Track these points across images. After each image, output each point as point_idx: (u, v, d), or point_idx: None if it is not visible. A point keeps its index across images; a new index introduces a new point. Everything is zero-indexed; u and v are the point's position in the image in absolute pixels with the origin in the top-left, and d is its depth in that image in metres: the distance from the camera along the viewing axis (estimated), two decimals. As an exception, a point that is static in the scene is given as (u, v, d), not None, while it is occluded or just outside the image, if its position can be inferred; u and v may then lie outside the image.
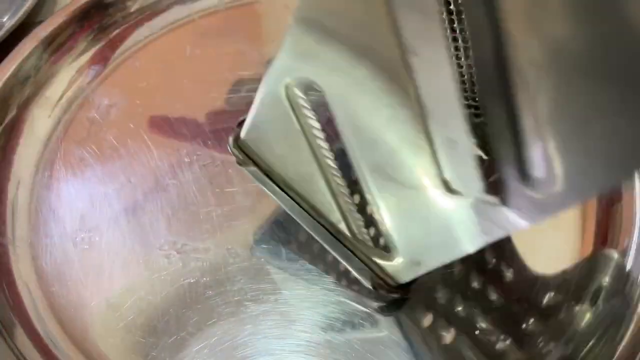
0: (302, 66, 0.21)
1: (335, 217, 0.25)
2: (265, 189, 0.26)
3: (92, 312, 0.28)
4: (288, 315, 0.27)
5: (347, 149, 0.22)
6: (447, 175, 0.20)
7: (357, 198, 0.24)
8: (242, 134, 0.26)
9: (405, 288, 0.25)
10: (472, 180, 0.19)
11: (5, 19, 0.38)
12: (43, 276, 0.29)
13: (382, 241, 0.25)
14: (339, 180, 0.24)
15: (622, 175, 0.17)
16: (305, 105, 0.22)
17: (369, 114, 0.20)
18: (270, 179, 0.26)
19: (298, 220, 0.26)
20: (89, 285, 0.28)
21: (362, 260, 0.25)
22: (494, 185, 0.18)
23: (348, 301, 0.27)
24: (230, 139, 0.26)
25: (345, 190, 0.24)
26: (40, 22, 0.37)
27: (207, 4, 0.38)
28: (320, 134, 0.23)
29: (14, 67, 0.34)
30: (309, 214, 0.25)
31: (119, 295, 0.28)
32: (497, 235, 0.19)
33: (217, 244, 0.29)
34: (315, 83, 0.21)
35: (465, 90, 0.20)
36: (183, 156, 0.32)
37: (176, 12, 0.38)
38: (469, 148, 0.18)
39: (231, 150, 0.26)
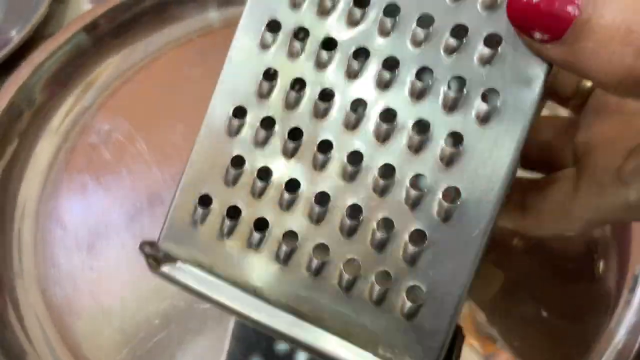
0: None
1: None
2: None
3: (105, 341, 0.27)
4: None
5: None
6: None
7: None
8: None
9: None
10: None
11: (13, 33, 0.38)
12: (53, 307, 0.29)
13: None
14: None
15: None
16: None
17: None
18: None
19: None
20: (100, 313, 0.28)
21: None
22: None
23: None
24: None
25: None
26: (50, 35, 0.36)
27: (204, 23, 0.38)
28: None
29: (11, 95, 0.33)
30: None
31: (133, 324, 0.28)
32: None
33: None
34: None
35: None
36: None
37: (173, 32, 0.38)
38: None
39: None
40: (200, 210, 0.20)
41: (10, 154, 0.33)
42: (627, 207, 0.19)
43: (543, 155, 0.23)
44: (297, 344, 0.19)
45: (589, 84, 0.21)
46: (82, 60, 0.36)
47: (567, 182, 0.21)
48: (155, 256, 0.20)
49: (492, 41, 0.17)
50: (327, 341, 0.18)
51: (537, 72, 0.17)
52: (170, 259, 0.20)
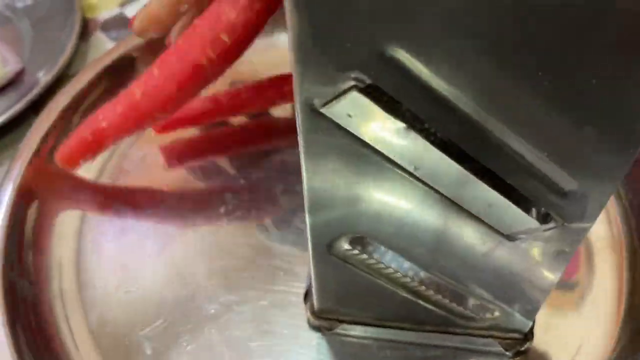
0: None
1: (439, 315, 0.25)
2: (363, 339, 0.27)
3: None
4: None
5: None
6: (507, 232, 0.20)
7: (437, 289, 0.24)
8: (316, 305, 0.26)
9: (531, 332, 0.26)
10: (527, 224, 0.19)
11: (40, 75, 0.39)
12: (91, 328, 0.28)
13: (488, 314, 0.24)
14: (423, 288, 0.23)
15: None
16: (355, 252, 0.22)
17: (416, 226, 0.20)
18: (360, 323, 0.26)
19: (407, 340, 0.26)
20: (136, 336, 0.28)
21: (482, 335, 0.25)
22: (546, 217, 0.19)
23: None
24: (309, 314, 0.27)
25: (431, 292, 0.24)
26: (74, 74, 0.37)
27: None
28: (389, 268, 0.23)
29: (34, 147, 0.34)
30: (413, 329, 0.26)
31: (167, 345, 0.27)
32: (573, 248, 0.20)
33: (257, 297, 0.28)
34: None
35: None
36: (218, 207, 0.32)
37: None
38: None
39: (312, 324, 0.27)
40: None
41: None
42: None
43: None
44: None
45: None
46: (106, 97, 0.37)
47: None
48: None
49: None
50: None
51: None
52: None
